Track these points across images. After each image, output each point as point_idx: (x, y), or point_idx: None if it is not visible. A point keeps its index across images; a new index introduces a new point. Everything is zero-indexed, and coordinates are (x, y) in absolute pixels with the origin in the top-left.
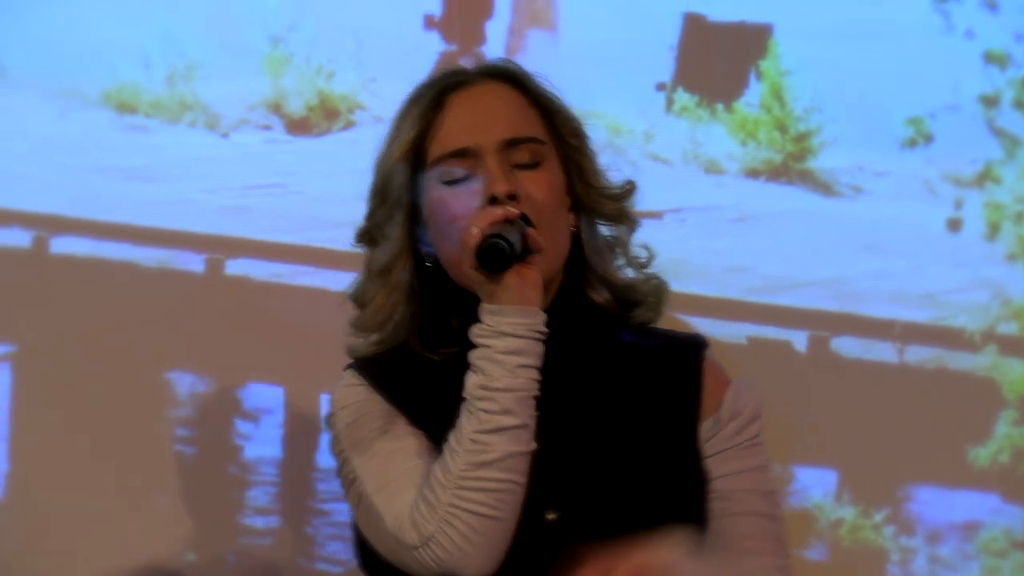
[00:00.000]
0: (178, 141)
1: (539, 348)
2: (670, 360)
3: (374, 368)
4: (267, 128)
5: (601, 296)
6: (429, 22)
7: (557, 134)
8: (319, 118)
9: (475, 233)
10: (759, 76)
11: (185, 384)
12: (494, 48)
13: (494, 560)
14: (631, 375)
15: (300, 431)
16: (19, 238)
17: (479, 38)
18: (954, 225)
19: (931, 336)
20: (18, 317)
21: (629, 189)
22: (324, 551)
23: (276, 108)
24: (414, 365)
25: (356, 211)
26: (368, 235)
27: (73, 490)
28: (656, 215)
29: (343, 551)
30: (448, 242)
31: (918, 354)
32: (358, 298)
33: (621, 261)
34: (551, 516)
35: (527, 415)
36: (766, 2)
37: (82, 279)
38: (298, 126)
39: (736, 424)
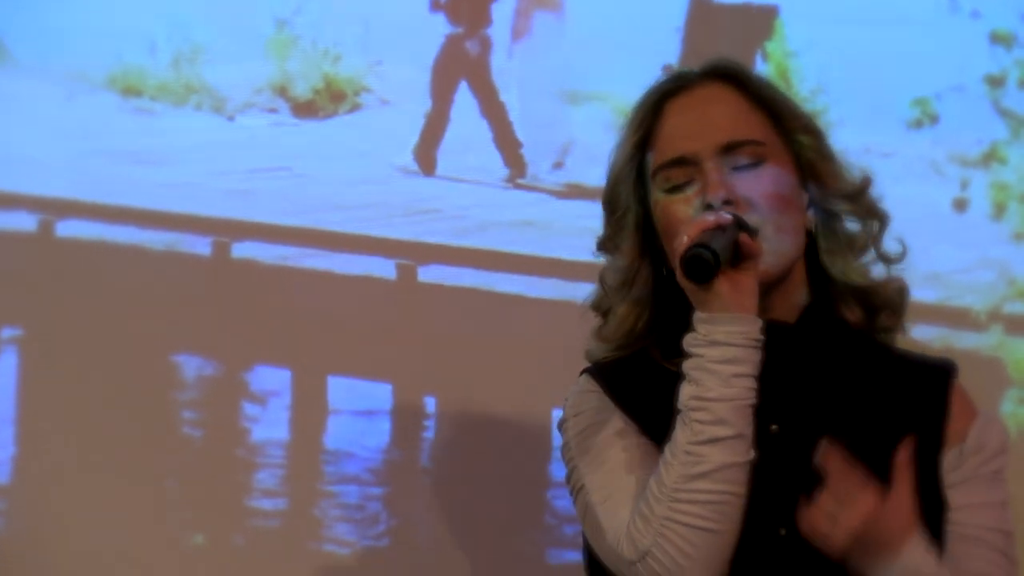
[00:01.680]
0: (184, 124)
1: (755, 356)
2: (918, 384)
3: (610, 375)
4: (273, 111)
5: (853, 313)
6: (435, 4)
7: (784, 132)
8: (325, 101)
9: (684, 242)
10: (765, 58)
11: (192, 367)
12: (500, 30)
13: (714, 574)
14: (876, 395)
15: (307, 413)
16: (25, 222)
17: (485, 20)
18: (960, 205)
19: (937, 316)
20: (25, 301)
21: (864, 184)
22: (331, 533)
23: (282, 91)
24: (651, 373)
25: (362, 193)
26: (605, 245)
27: (80, 473)
28: None
29: (350, 533)
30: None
31: (924, 333)
32: (598, 307)
33: (870, 259)
34: (783, 531)
35: (743, 425)
36: None
37: (88, 263)
38: (304, 109)
39: (980, 457)
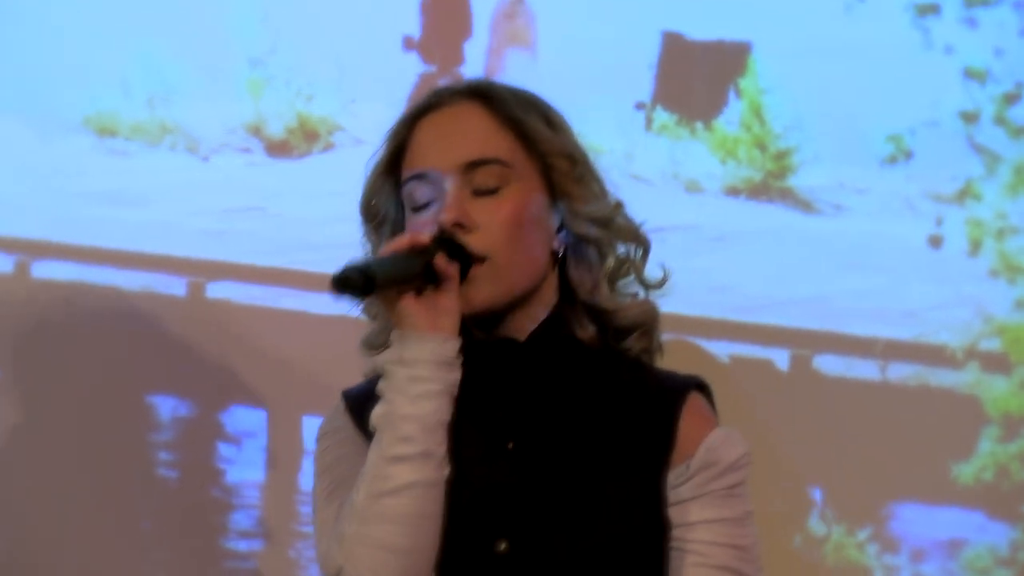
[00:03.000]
0: (158, 165)
1: (446, 374)
2: (650, 402)
3: (360, 395)
4: (247, 151)
5: (586, 331)
6: (408, 43)
7: (535, 154)
8: (299, 140)
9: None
10: (738, 94)
11: (167, 407)
12: (473, 68)
13: None
14: (603, 414)
15: (283, 454)
16: (1, 263)
17: (458, 59)
18: (935, 242)
19: (913, 353)
20: (0, 341)
21: (613, 211)
22: (307, 574)
23: (256, 131)
24: None
25: (337, 233)
26: (370, 253)
27: (56, 515)
28: None
29: None
30: None
31: (900, 371)
32: (367, 313)
33: (627, 282)
34: (502, 547)
35: (431, 443)
36: (744, 20)
37: (64, 303)
38: (278, 148)
39: (709, 473)
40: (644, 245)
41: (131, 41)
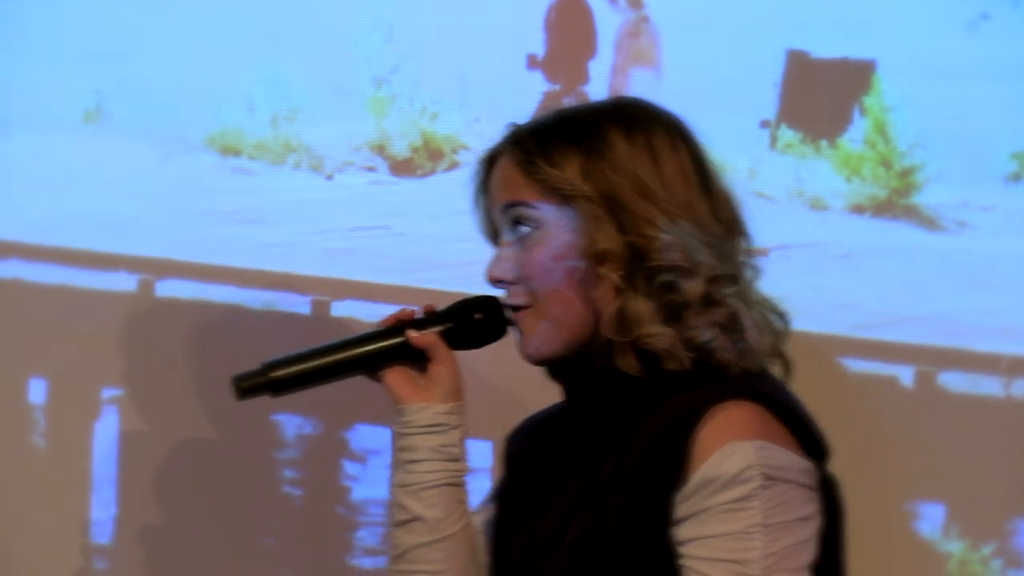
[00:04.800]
0: (282, 184)
1: (429, 441)
2: (672, 424)
3: (517, 429)
4: (371, 170)
5: (627, 363)
6: (532, 62)
7: (564, 192)
8: (423, 159)
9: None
10: (863, 112)
11: (293, 426)
12: (597, 87)
13: None
14: (630, 441)
15: None
16: (126, 282)
17: (583, 77)
18: None
19: None
20: (125, 361)
21: (639, 244)
22: None
23: (380, 150)
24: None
25: (460, 252)
26: None
27: (181, 532)
28: (762, 252)
29: None
30: None
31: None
32: None
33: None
34: (541, 565)
35: (422, 508)
36: (868, 39)
37: (189, 322)
38: (402, 167)
39: (708, 489)
40: (682, 274)
41: (255, 60)
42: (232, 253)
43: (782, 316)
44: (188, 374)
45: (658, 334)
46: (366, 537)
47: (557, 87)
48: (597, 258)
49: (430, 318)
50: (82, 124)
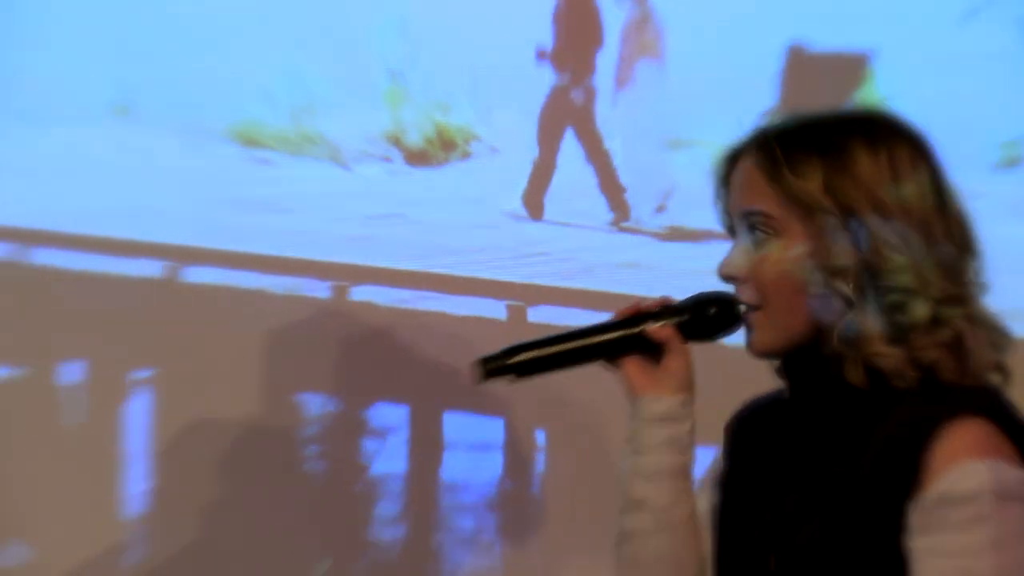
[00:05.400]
0: (302, 174)
1: (660, 429)
2: (902, 437)
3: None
4: (387, 160)
5: (855, 375)
6: (541, 55)
7: (806, 204)
8: (437, 150)
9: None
10: (858, 103)
11: (315, 405)
12: (603, 79)
13: None
14: (859, 452)
15: (425, 447)
16: (152, 268)
17: (590, 69)
18: None
19: None
20: (154, 343)
21: (873, 262)
22: (449, 561)
23: (396, 140)
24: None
25: (473, 238)
26: None
27: (211, 504)
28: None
29: (467, 560)
30: None
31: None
32: None
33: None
34: (773, 561)
35: (651, 493)
36: (864, 32)
37: (213, 306)
38: (417, 157)
39: (945, 505)
40: (904, 296)
41: (275, 55)
42: (254, 240)
43: (1005, 332)
44: (213, 356)
45: (886, 354)
46: (385, 510)
47: (566, 80)
48: (831, 272)
49: (666, 311)
50: (111, 116)
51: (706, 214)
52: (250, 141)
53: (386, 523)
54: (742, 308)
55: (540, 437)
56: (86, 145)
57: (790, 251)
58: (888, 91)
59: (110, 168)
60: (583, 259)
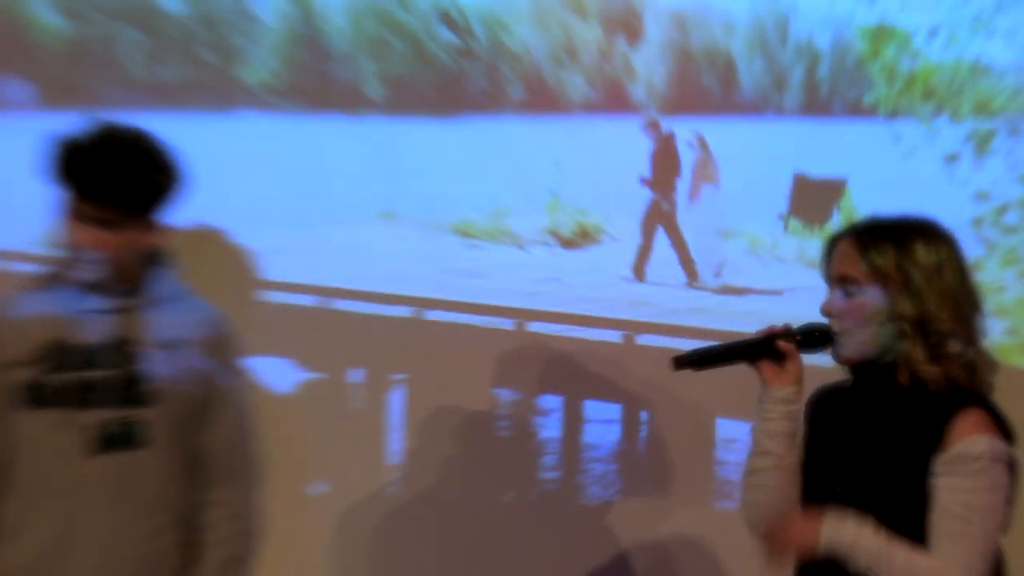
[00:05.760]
0: (496, 253)
1: (783, 407)
2: (934, 416)
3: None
4: (548, 244)
5: (904, 379)
6: (644, 181)
7: (882, 274)
8: (579, 239)
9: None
10: (839, 210)
11: (506, 396)
12: (681, 196)
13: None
14: (902, 426)
15: (572, 420)
16: (405, 312)
17: (672, 189)
18: None
19: None
20: (406, 358)
21: (918, 312)
22: (587, 494)
23: (554, 233)
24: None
25: (601, 292)
26: None
27: (442, 460)
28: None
29: (597, 493)
30: None
31: None
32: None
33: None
34: (839, 489)
35: (772, 445)
36: (844, 165)
37: (444, 335)
38: (567, 243)
39: (957, 460)
40: (922, 330)
41: (478, 180)
42: (468, 294)
43: (995, 361)
44: (442, 366)
45: (928, 371)
46: (548, 461)
47: (658, 195)
48: (896, 316)
49: (788, 332)
50: (379, 220)
51: (747, 277)
52: (465, 233)
53: (549, 468)
54: (834, 333)
55: (644, 415)
56: (362, 239)
57: (869, 301)
58: (859, 202)
59: (378, 255)
60: (670, 305)
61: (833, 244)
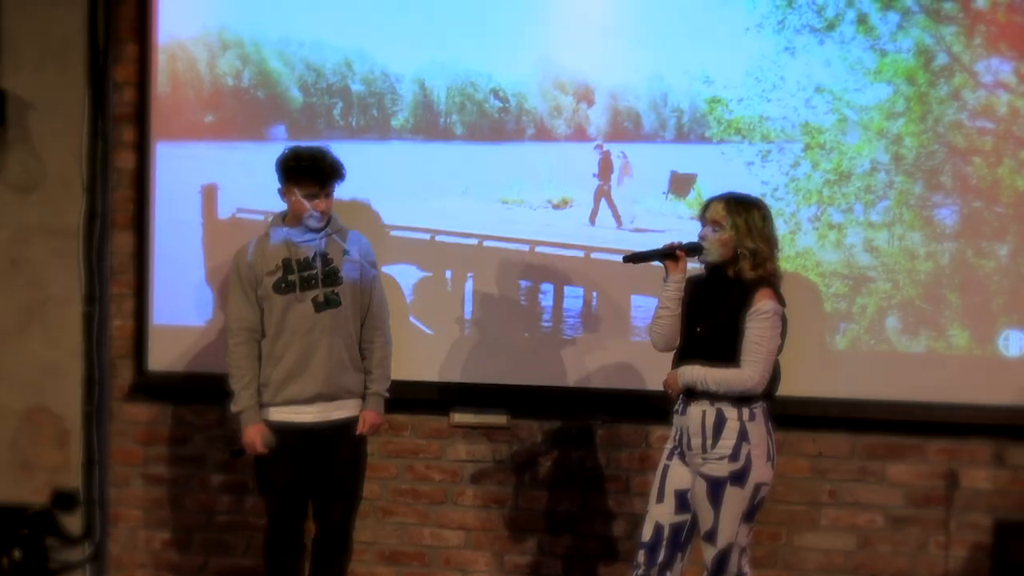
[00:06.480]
0: (520, 211)
1: (674, 286)
2: (745, 294)
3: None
4: (546, 208)
5: (731, 270)
6: (595, 175)
7: (734, 224)
8: (562, 204)
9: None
10: (693, 190)
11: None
12: (613, 183)
13: (669, 346)
14: (727, 295)
15: None
16: (472, 241)
17: (608, 180)
18: None
19: None
20: (472, 267)
21: (746, 244)
22: (564, 331)
23: (550, 201)
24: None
25: (576, 231)
26: None
27: (496, 325)
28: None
29: (571, 333)
30: None
31: None
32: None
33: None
34: (699, 330)
35: (666, 303)
36: (693, 165)
37: (493, 252)
38: (556, 206)
39: (757, 313)
40: (751, 252)
41: (507, 172)
42: (506, 230)
43: (780, 270)
44: (494, 270)
45: (748, 271)
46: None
47: (601, 182)
48: (739, 244)
49: (680, 246)
50: (461, 195)
51: (647, 223)
52: (504, 201)
53: (545, 320)
54: (704, 249)
55: (595, 294)
56: (453, 202)
57: (724, 235)
58: (703, 187)
59: (461, 208)
60: (608, 237)
61: (709, 203)
